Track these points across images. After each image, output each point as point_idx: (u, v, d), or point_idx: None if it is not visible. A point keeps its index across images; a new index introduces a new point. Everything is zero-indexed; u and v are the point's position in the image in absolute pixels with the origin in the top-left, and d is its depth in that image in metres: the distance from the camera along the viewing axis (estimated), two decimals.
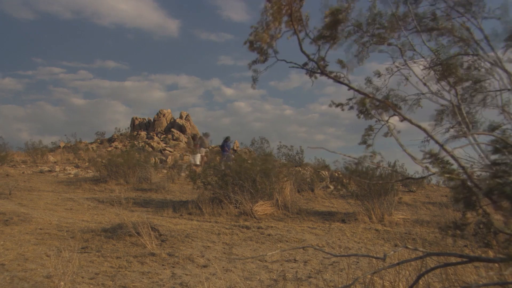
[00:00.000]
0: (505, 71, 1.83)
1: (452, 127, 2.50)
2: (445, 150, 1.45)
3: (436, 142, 1.55)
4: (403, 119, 1.64)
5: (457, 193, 1.53)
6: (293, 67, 1.67)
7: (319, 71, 1.65)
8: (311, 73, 1.68)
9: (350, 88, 1.67)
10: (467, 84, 2.13)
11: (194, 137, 14.57)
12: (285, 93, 79.10)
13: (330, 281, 3.50)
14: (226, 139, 14.06)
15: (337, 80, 1.66)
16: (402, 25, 2.05)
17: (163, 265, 3.82)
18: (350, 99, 1.87)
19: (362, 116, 1.83)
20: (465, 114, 2.05)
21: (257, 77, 1.70)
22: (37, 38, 76.46)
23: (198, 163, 13.36)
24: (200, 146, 13.82)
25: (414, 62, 2.19)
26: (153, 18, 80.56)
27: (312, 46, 1.67)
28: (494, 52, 1.81)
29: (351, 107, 1.88)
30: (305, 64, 1.67)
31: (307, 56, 1.61)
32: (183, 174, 12.96)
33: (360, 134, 2.10)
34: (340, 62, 1.68)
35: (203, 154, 13.76)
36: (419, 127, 1.59)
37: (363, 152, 1.98)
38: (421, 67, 2.22)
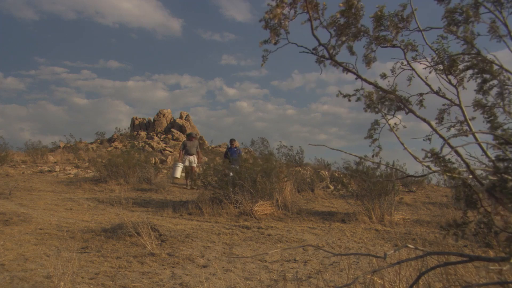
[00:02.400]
0: None
1: (453, 126, 2.49)
2: (450, 145, 1.44)
3: (440, 136, 1.55)
4: (409, 111, 1.63)
5: (458, 192, 1.53)
6: (303, 52, 1.66)
7: (328, 58, 1.65)
8: (320, 59, 1.68)
9: (358, 77, 1.66)
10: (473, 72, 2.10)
11: (189, 136, 11.73)
12: (288, 93, 79.25)
13: (330, 281, 3.49)
14: (231, 143, 11.30)
15: (346, 68, 1.65)
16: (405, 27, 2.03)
17: (163, 265, 3.81)
18: (357, 90, 1.87)
19: (368, 109, 1.83)
20: (467, 115, 2.03)
21: (267, 56, 1.71)
22: (40, 38, 76.70)
23: (178, 176, 11.02)
24: (185, 153, 11.26)
25: (424, 57, 2.17)
26: (156, 17, 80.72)
27: (324, 35, 1.67)
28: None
29: (358, 98, 1.87)
30: (315, 49, 1.67)
31: (318, 41, 1.61)
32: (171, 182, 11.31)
33: (363, 134, 2.09)
34: (349, 48, 1.67)
35: (194, 164, 11.23)
36: (424, 120, 1.58)
37: (366, 150, 1.98)
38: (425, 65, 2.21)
